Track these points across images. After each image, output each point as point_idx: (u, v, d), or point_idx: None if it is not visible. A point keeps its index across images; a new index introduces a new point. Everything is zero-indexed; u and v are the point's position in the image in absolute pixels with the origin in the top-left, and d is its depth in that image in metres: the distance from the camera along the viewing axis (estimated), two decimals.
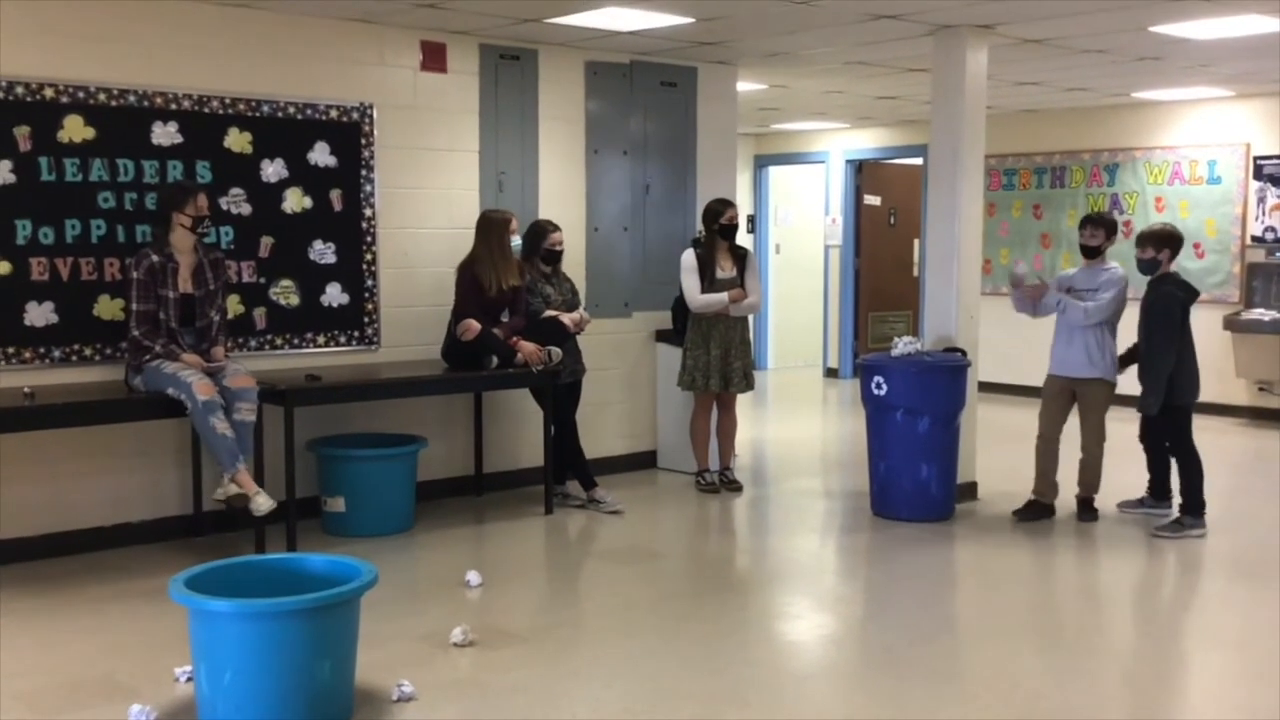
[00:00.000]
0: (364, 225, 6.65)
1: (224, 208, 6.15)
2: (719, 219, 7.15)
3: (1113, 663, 4.52)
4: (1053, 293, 6.57)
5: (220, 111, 6.14)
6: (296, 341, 6.47)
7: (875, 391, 6.56)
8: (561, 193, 7.47)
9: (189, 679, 4.05)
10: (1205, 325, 10.13)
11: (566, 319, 6.76)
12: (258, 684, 3.62)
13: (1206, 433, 9.55)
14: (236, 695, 3.62)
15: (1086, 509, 6.60)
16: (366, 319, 6.70)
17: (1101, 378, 6.47)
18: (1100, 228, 6.55)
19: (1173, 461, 6.52)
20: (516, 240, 6.58)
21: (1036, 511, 6.54)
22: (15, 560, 5.59)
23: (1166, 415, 6.29)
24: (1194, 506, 6.33)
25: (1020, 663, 4.49)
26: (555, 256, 6.88)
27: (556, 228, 6.89)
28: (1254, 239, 10.08)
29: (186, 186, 5.72)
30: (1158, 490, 6.70)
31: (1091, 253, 6.56)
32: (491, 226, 6.52)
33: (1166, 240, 6.40)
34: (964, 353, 6.80)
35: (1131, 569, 5.86)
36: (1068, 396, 6.57)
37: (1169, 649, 4.73)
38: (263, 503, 5.43)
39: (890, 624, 5.00)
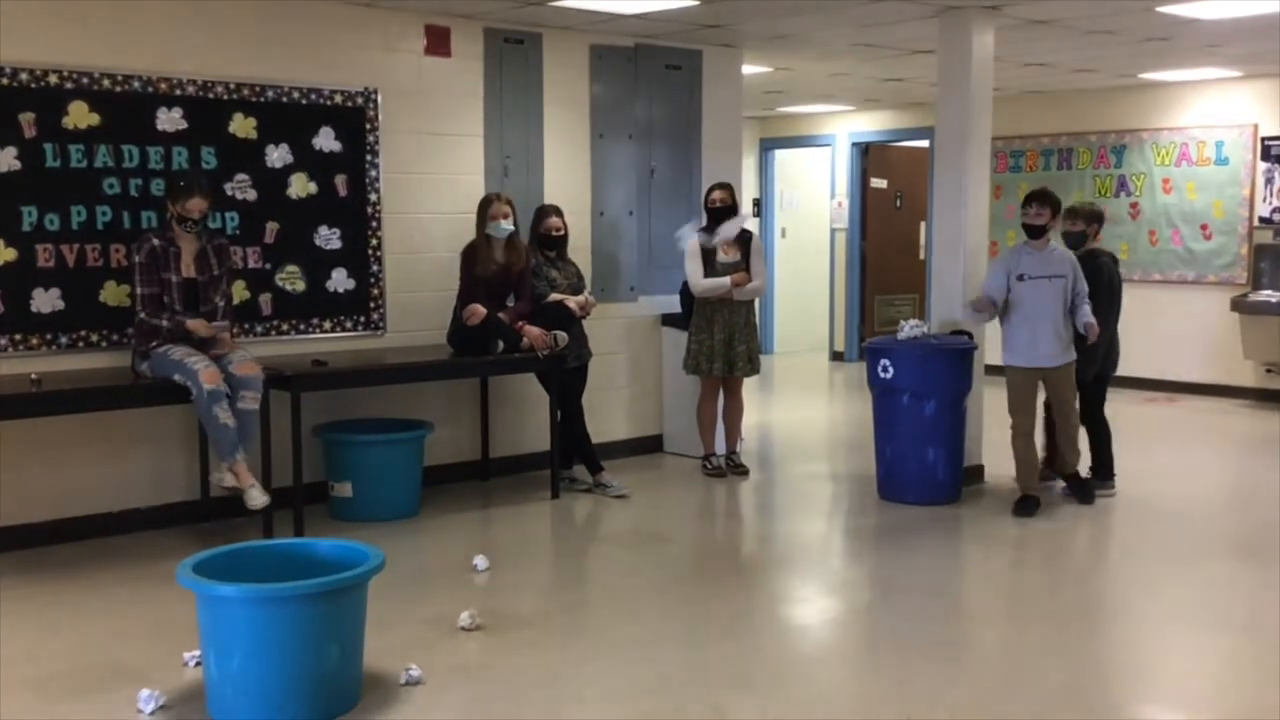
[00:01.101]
0: (369, 210, 6.65)
1: (229, 193, 6.15)
2: (706, 202, 7.17)
3: (1118, 643, 4.53)
4: (1092, 332, 6.32)
5: (225, 97, 6.13)
6: (303, 327, 6.47)
7: (882, 375, 6.55)
8: (567, 177, 7.46)
9: (197, 664, 4.06)
10: (1212, 307, 10.17)
11: (572, 303, 6.76)
12: (266, 668, 3.63)
13: (1212, 414, 9.60)
14: (245, 680, 3.64)
15: (1085, 487, 6.54)
16: (372, 304, 6.70)
17: (1071, 360, 6.41)
18: (1046, 206, 6.33)
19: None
20: (506, 225, 6.51)
21: (1033, 505, 6.37)
22: (22, 546, 5.61)
23: (1092, 383, 6.61)
24: (1105, 470, 6.74)
25: (1025, 644, 4.50)
26: (551, 241, 6.86)
27: (555, 212, 6.88)
28: (1261, 220, 10.05)
29: (186, 185, 5.58)
30: (1101, 470, 6.78)
31: (1036, 232, 6.34)
32: (480, 208, 6.54)
33: (1096, 216, 6.75)
34: (970, 336, 6.79)
35: (1137, 550, 5.85)
36: (1037, 386, 6.43)
37: (1174, 629, 4.73)
38: (257, 497, 5.46)
39: (896, 607, 5.00)
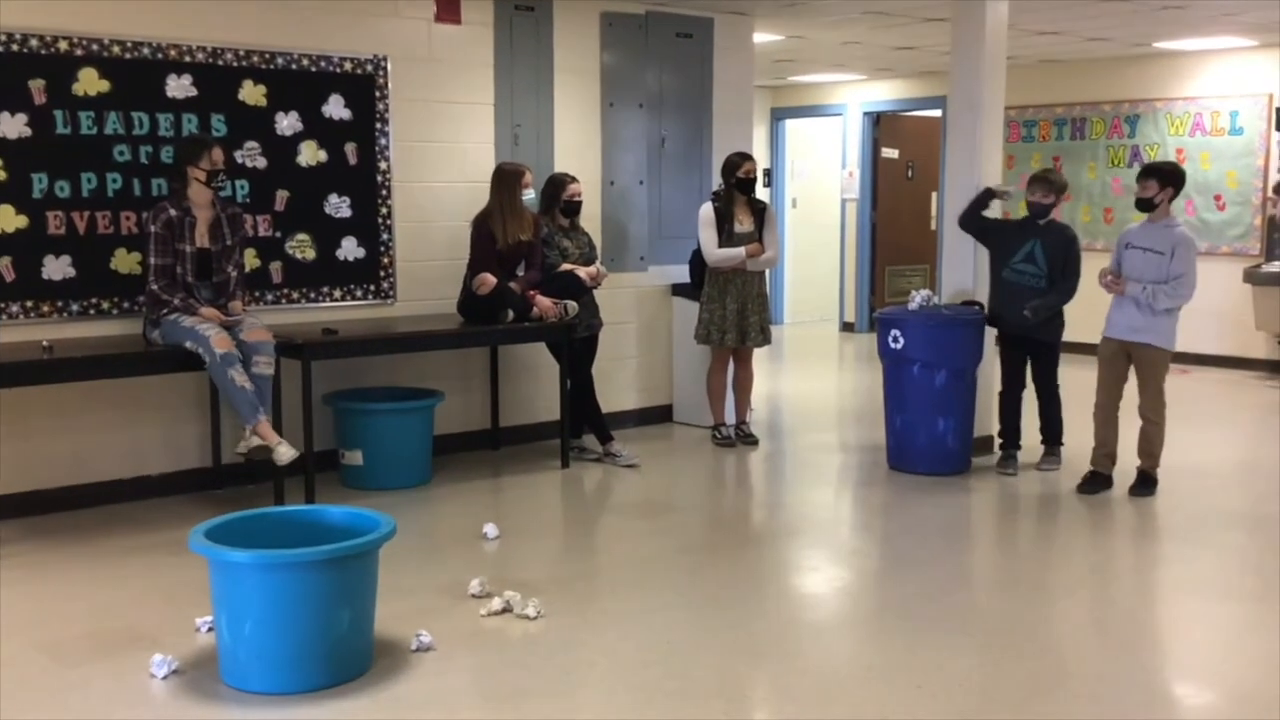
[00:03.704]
0: (379, 179, 6.63)
1: (239, 161, 6.14)
2: (736, 172, 7.11)
3: (1126, 615, 4.53)
4: (1131, 285, 6.04)
5: (234, 64, 6.11)
6: (313, 295, 6.47)
7: (892, 345, 6.55)
8: (577, 146, 7.43)
9: (210, 629, 4.09)
10: (1225, 278, 10.12)
11: (583, 273, 6.74)
12: (278, 634, 3.66)
13: (1225, 385, 9.58)
14: (257, 645, 3.66)
15: (1144, 483, 6.19)
16: (382, 273, 6.70)
17: (1153, 343, 6.04)
18: (1152, 178, 6.07)
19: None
20: (530, 194, 6.56)
21: (1097, 484, 6.21)
22: (35, 513, 5.64)
23: (1053, 353, 6.58)
24: (1059, 438, 6.73)
25: (1034, 615, 4.50)
26: (575, 208, 6.85)
27: (574, 179, 6.86)
28: (1275, 191, 9.98)
29: (202, 139, 5.71)
30: (1051, 438, 6.78)
31: (1145, 205, 6.15)
32: (503, 179, 6.52)
33: (1064, 187, 6.70)
34: (981, 306, 6.77)
35: (1146, 523, 5.85)
36: (1123, 360, 6.15)
37: (1183, 601, 4.73)
38: (285, 452, 5.44)
39: (905, 577, 5.01)
